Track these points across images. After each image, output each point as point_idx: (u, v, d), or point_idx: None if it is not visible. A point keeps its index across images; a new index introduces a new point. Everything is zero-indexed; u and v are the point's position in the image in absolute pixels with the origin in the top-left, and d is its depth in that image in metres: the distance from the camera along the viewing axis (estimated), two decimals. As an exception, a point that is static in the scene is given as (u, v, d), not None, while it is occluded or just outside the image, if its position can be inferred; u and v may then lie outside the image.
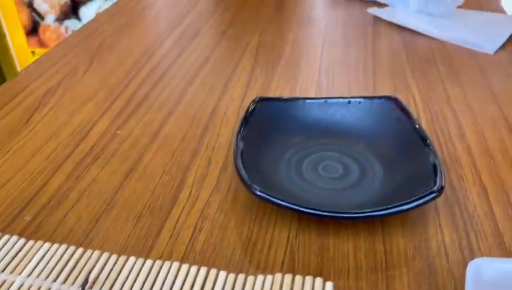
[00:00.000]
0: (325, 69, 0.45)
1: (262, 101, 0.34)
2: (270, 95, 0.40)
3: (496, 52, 0.46)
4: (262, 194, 0.25)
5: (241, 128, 0.30)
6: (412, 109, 0.38)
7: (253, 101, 0.33)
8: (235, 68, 0.45)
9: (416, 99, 0.40)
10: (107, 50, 0.49)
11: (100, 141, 0.34)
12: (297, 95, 0.41)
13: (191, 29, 0.54)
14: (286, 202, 0.25)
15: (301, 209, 0.25)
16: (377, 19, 0.53)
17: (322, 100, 0.35)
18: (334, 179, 0.30)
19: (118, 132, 0.35)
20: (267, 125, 0.33)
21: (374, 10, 0.54)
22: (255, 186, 0.25)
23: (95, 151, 0.33)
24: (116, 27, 0.54)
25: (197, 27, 0.54)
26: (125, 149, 0.33)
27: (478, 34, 0.48)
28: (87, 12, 1.49)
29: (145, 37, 0.51)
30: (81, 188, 0.30)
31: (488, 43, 0.47)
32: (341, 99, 0.35)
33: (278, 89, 0.41)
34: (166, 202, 0.29)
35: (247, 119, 0.31)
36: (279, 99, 0.35)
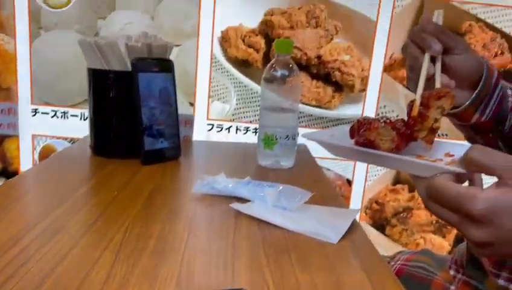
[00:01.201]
0: (186, 262, 0.46)
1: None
2: (128, 292, 0.40)
3: (339, 241, 0.53)
4: None
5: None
6: (264, 299, 0.39)
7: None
8: (94, 265, 0.44)
9: (270, 288, 0.42)
10: (-49, 249, 0.45)
11: None
12: (156, 290, 0.40)
13: (57, 222, 0.53)
14: None
15: None
16: (239, 213, 0.59)
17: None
18: None
19: None
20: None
21: (236, 205, 0.60)
22: None
23: None
24: (-31, 223, 0.51)
25: (64, 220, 0.54)
26: None
27: (324, 225, 0.55)
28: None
29: (3, 233, 0.49)
30: None
31: (332, 234, 0.53)
32: (195, 294, 0.36)
33: (136, 286, 0.41)
34: None
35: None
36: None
